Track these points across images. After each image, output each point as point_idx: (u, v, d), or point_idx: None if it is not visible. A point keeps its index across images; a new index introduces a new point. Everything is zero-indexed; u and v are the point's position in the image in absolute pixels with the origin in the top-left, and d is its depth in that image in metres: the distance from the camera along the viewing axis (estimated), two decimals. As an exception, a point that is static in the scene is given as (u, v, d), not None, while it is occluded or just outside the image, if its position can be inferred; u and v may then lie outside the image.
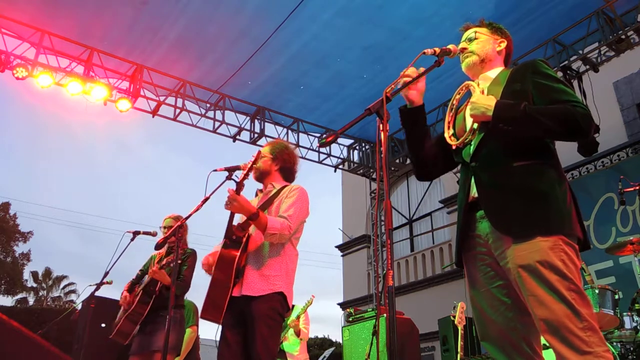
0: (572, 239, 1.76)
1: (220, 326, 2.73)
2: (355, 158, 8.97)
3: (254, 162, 2.81)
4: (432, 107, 7.15)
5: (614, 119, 8.40)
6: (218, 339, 2.73)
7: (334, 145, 8.55)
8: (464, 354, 4.52)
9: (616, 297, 3.87)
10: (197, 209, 2.94)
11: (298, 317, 5.35)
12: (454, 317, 4.63)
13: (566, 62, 6.38)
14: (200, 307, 2.74)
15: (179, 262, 3.53)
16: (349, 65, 6.76)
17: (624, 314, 3.86)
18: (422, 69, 1.96)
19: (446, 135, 2.05)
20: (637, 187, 4.31)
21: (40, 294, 33.48)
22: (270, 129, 7.88)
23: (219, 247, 2.86)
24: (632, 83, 8.68)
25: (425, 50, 1.93)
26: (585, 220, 2.23)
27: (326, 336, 24.61)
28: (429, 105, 2.11)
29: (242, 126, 7.71)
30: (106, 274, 4.05)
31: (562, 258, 1.69)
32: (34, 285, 33.19)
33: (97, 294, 4.24)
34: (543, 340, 1.81)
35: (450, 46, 2.02)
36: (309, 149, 8.21)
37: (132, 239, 4.00)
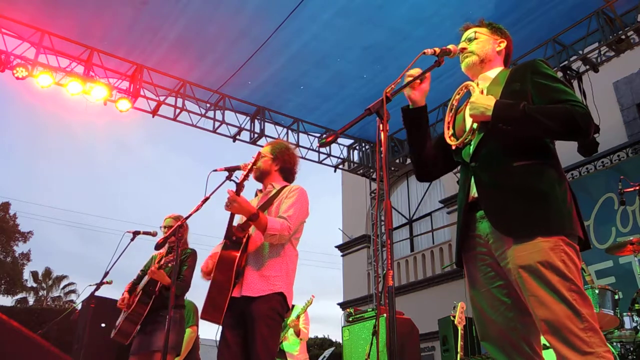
0: (573, 239, 1.76)
1: (220, 326, 2.73)
2: (355, 158, 8.97)
3: (254, 163, 2.81)
4: (432, 107, 7.15)
5: (614, 119, 8.40)
6: (218, 339, 2.73)
7: (334, 145, 8.55)
8: (464, 354, 4.52)
9: (616, 297, 3.87)
10: (197, 209, 2.94)
11: (298, 317, 5.35)
12: (454, 317, 4.63)
13: (566, 62, 6.38)
14: (200, 308, 2.74)
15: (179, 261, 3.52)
16: (349, 65, 6.76)
17: (624, 314, 3.86)
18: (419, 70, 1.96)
19: (446, 135, 2.05)
20: (637, 187, 4.31)
21: (40, 294, 33.50)
22: (270, 129, 7.89)
23: (218, 248, 2.86)
24: (632, 83, 8.68)
25: (425, 50, 1.93)
26: (585, 220, 2.23)
27: (326, 336, 24.63)
28: (429, 105, 2.11)
29: (242, 126, 7.71)
30: (106, 274, 4.05)
31: (563, 258, 1.69)
32: (34, 285, 33.21)
33: (97, 294, 4.24)
34: (543, 340, 1.81)
35: (450, 46, 2.02)
36: (309, 149, 8.22)
37: (132, 239, 4.00)
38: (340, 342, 6.58)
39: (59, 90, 6.35)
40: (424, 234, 12.95)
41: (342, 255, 15.25)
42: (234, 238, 2.79)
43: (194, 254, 4.06)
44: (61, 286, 34.28)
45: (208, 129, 7.53)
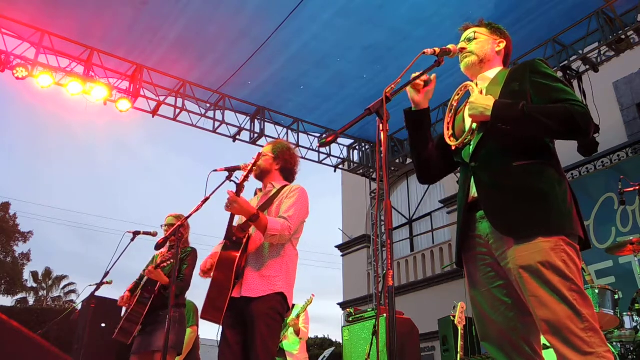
0: (573, 238, 1.76)
1: (221, 326, 2.73)
2: (355, 158, 8.97)
3: (254, 164, 2.81)
4: (432, 107, 7.13)
5: (614, 119, 8.40)
6: (219, 339, 2.74)
7: (334, 145, 8.56)
8: (464, 354, 4.52)
9: (616, 297, 3.87)
10: (197, 209, 2.94)
11: (298, 316, 5.35)
12: (454, 317, 4.63)
13: (566, 62, 6.38)
14: (200, 307, 2.74)
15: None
16: (349, 65, 6.76)
17: (624, 314, 3.86)
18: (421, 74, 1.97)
19: (446, 135, 2.05)
20: (637, 187, 4.31)
21: (40, 294, 33.49)
22: (270, 129, 7.89)
23: (218, 248, 2.86)
24: (632, 83, 8.68)
25: (425, 50, 1.93)
26: (585, 220, 2.23)
27: (326, 336, 24.61)
28: (429, 105, 2.11)
29: (242, 126, 7.71)
30: (106, 274, 4.05)
31: (564, 258, 1.69)
32: (34, 285, 33.21)
33: (97, 294, 4.23)
34: (543, 340, 1.81)
35: (450, 46, 2.02)
36: (309, 149, 8.22)
37: (132, 239, 4.00)
38: (340, 342, 6.58)
39: (59, 90, 6.35)
40: (424, 234, 12.95)
41: (342, 255, 15.26)
42: (234, 238, 2.79)
43: (194, 252, 4.06)
44: (61, 286, 34.31)
45: (208, 129, 7.53)
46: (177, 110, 7.16)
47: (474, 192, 1.91)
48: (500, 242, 1.81)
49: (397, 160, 8.71)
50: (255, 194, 3.11)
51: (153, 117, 7.14)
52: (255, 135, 7.76)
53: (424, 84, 2.03)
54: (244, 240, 2.79)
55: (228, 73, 6.95)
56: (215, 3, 5.75)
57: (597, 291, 3.84)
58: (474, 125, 1.92)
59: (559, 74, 6.10)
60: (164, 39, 6.33)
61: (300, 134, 8.14)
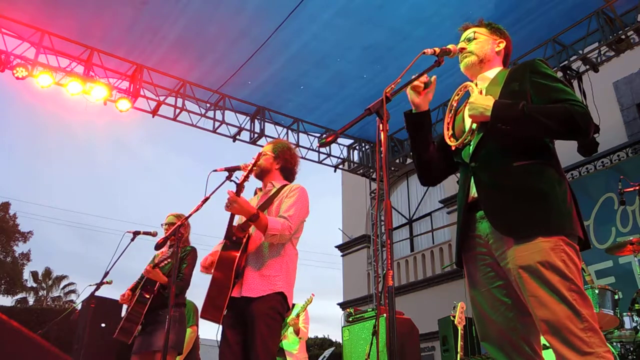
0: (573, 239, 1.76)
1: (221, 326, 2.73)
2: (355, 158, 8.97)
3: (254, 164, 2.81)
4: (432, 107, 7.12)
5: (614, 119, 8.40)
6: (218, 339, 2.74)
7: (334, 145, 8.56)
8: (464, 354, 4.52)
9: (616, 297, 3.87)
10: (197, 209, 2.94)
11: (298, 316, 5.35)
12: (454, 317, 4.63)
13: (566, 62, 6.38)
14: (200, 307, 2.74)
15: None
16: (349, 65, 6.76)
17: (624, 314, 3.86)
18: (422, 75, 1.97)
19: (445, 136, 2.05)
20: (637, 187, 4.31)
21: (40, 294, 33.49)
22: (270, 129, 7.89)
23: (218, 247, 2.86)
24: (632, 83, 8.69)
25: (425, 50, 1.93)
26: (585, 220, 2.23)
27: (326, 336, 24.61)
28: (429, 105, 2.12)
29: (242, 126, 7.71)
30: (106, 274, 4.05)
31: (563, 258, 1.69)
32: (34, 285, 33.21)
33: (97, 294, 4.23)
34: (543, 341, 1.81)
35: (450, 46, 2.02)
36: (309, 149, 8.22)
37: (132, 239, 4.00)
38: (340, 342, 6.58)
39: (59, 90, 6.35)
40: (424, 234, 12.96)
41: (342, 255, 15.26)
42: (234, 238, 2.79)
43: (193, 251, 4.06)
44: (61, 286, 34.32)
45: (208, 129, 7.53)
46: (177, 110, 7.16)
47: (473, 192, 1.91)
48: (500, 242, 1.81)
49: (397, 160, 8.71)
50: (255, 193, 3.11)
51: (153, 117, 7.14)
52: (255, 135, 7.76)
53: (424, 86, 2.03)
54: (244, 240, 2.79)
55: (228, 73, 6.95)
56: (215, 3, 5.76)
57: (597, 291, 3.84)
58: (474, 126, 1.92)
59: (559, 74, 6.10)
60: (164, 39, 6.33)
61: (300, 134, 8.14)
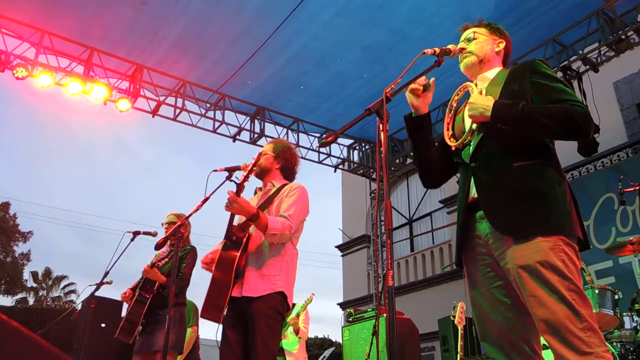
0: (572, 239, 1.76)
1: (222, 326, 2.73)
2: (355, 158, 8.97)
3: (254, 164, 2.81)
4: (432, 107, 7.15)
5: (614, 119, 8.40)
6: (219, 339, 2.74)
7: (334, 145, 8.56)
8: (463, 354, 4.52)
9: (616, 297, 3.87)
10: (197, 209, 2.94)
11: (298, 315, 5.35)
12: (454, 317, 4.63)
13: (566, 62, 6.38)
14: (200, 307, 2.74)
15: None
16: (349, 65, 6.76)
17: (624, 314, 3.86)
18: (424, 78, 1.97)
19: (445, 136, 2.06)
20: (637, 187, 4.31)
21: (40, 294, 33.50)
22: (270, 129, 7.89)
23: (218, 247, 2.86)
24: (632, 83, 8.69)
25: (425, 50, 1.93)
26: (585, 220, 2.23)
27: (326, 336, 24.60)
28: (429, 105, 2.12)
29: (242, 126, 7.72)
30: (106, 274, 4.05)
31: (562, 258, 1.69)
32: (34, 285, 33.21)
33: (97, 294, 4.24)
34: (543, 341, 1.81)
35: (450, 46, 2.02)
36: (309, 149, 8.22)
37: (132, 239, 4.00)
38: (340, 342, 6.58)
39: (59, 90, 6.35)
40: (424, 234, 12.96)
41: (342, 255, 15.26)
42: (234, 238, 2.79)
43: (193, 251, 4.06)
44: (61, 286, 34.32)
45: (208, 129, 7.53)
46: (177, 110, 7.16)
47: (473, 192, 1.91)
48: (499, 242, 1.81)
49: (397, 160, 8.71)
50: (255, 192, 3.11)
51: (153, 117, 7.14)
52: (255, 135, 7.76)
53: (422, 89, 2.03)
54: (244, 240, 2.79)
55: (228, 73, 6.95)
56: (215, 3, 5.76)
57: (597, 291, 3.84)
58: (474, 126, 1.92)
59: (559, 74, 6.10)
60: (164, 39, 6.33)
61: (300, 134, 8.14)
